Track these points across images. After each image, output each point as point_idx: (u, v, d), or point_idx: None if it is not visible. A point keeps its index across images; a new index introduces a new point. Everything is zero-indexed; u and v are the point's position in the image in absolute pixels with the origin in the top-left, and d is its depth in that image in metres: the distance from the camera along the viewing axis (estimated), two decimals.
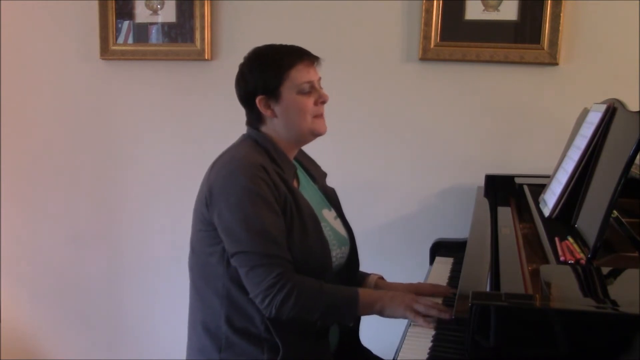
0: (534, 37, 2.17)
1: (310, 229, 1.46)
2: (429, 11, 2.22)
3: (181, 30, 2.46)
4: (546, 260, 1.27)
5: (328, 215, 1.59)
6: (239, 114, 1.55)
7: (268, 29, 2.39)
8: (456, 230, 2.23)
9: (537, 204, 1.67)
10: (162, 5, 2.46)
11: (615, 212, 1.44)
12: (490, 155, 2.28)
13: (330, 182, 1.70)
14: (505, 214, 1.80)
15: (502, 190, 2.06)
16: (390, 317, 1.45)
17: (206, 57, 2.43)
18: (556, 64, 2.17)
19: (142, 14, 2.49)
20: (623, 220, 1.43)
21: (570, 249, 1.26)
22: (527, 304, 1.05)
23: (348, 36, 2.34)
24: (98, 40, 2.53)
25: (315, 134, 1.52)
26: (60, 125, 2.67)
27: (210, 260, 1.46)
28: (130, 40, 2.51)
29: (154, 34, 2.49)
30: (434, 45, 2.24)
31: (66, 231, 2.73)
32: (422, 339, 1.35)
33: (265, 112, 1.48)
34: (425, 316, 1.39)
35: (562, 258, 1.22)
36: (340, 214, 1.66)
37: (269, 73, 1.46)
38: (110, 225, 2.69)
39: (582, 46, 2.16)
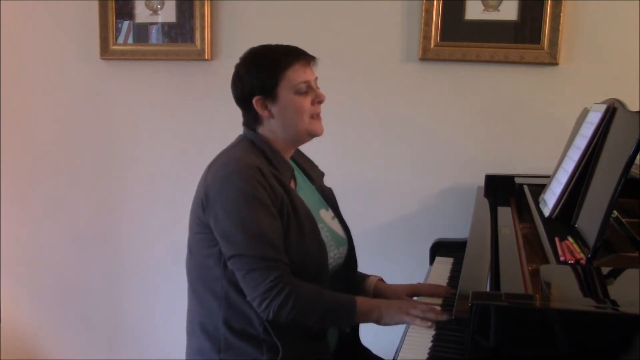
0: (534, 37, 2.17)
1: (307, 230, 1.45)
2: (429, 11, 2.22)
3: (181, 30, 2.46)
4: (546, 260, 1.27)
5: (325, 216, 1.59)
6: (239, 114, 1.55)
7: (268, 29, 2.39)
8: (456, 230, 2.23)
9: (537, 204, 1.67)
10: (162, 5, 2.46)
11: (615, 212, 1.44)
12: (490, 155, 2.28)
13: (330, 182, 1.70)
14: (505, 214, 1.80)
15: (502, 190, 2.06)
16: (388, 325, 1.45)
17: (206, 57, 2.43)
18: (556, 64, 2.17)
19: (142, 14, 2.49)
20: (623, 220, 1.43)
21: (570, 249, 1.26)
22: (527, 304, 1.05)
23: (348, 36, 2.34)
24: (98, 40, 2.53)
25: (312, 135, 1.51)
26: (60, 125, 2.67)
27: (207, 262, 1.46)
28: (130, 40, 2.51)
29: (154, 34, 2.49)
30: (434, 45, 2.24)
31: (66, 231, 2.73)
32: (422, 339, 1.35)
33: (262, 113, 1.48)
34: (423, 318, 1.40)
35: (562, 258, 1.22)
36: (338, 214, 1.65)
37: (265, 73, 1.46)
38: (110, 225, 2.69)
39: (582, 46, 2.16)
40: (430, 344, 1.33)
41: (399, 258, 2.38)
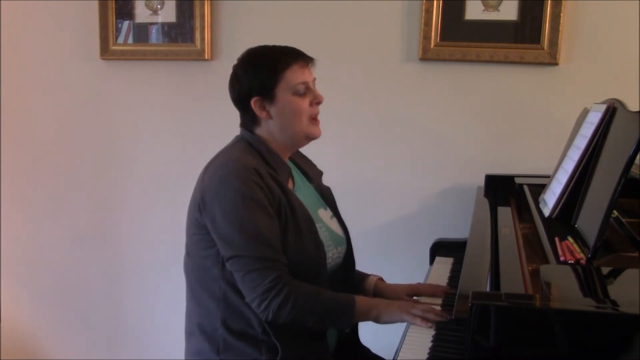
0: (534, 37, 2.17)
1: (305, 230, 1.45)
2: (429, 11, 2.22)
3: (181, 30, 2.46)
4: (546, 260, 1.27)
5: (324, 215, 1.59)
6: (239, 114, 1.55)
7: (268, 29, 2.39)
8: (456, 230, 2.23)
9: (537, 204, 1.67)
10: (162, 5, 2.46)
11: (615, 212, 1.44)
12: (490, 155, 2.28)
13: (330, 182, 1.70)
14: (505, 214, 1.80)
15: (502, 190, 2.06)
16: (387, 323, 1.45)
17: (206, 57, 2.43)
18: (556, 64, 2.17)
19: (142, 14, 2.49)
20: (623, 220, 1.43)
21: (570, 249, 1.26)
22: (527, 304, 1.05)
23: (348, 36, 2.34)
24: (98, 40, 2.53)
25: (309, 138, 1.51)
26: (60, 125, 2.67)
27: (205, 263, 1.45)
28: (130, 40, 2.51)
29: (154, 34, 2.49)
30: (434, 45, 2.24)
31: (66, 231, 2.73)
32: (422, 339, 1.35)
33: (260, 114, 1.47)
34: (422, 318, 1.40)
35: (562, 258, 1.22)
36: (337, 213, 1.65)
37: (264, 74, 1.45)
38: (110, 225, 2.69)
39: (582, 46, 2.16)
40: (430, 344, 1.33)
41: (399, 258, 2.38)
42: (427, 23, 2.22)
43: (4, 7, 2.63)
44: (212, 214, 1.40)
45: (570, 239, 1.32)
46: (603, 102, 1.54)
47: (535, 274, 1.25)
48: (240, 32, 2.42)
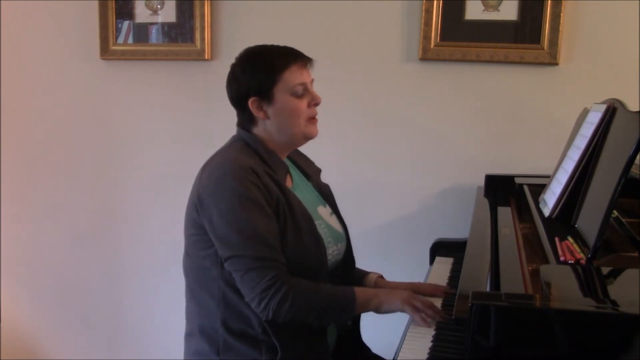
0: (534, 37, 2.17)
1: (304, 228, 1.45)
2: (429, 11, 2.22)
3: (181, 30, 2.46)
4: (546, 260, 1.27)
5: (323, 212, 1.59)
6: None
7: (268, 29, 2.39)
8: (456, 230, 2.23)
9: (537, 204, 1.67)
10: (162, 5, 2.46)
11: (615, 212, 1.44)
12: (490, 155, 2.28)
13: (330, 181, 1.70)
14: (505, 214, 1.80)
15: (502, 190, 2.06)
16: (388, 312, 1.45)
17: (206, 57, 2.43)
18: (556, 64, 2.17)
19: (142, 14, 2.49)
20: (623, 220, 1.43)
21: (570, 249, 1.26)
22: (527, 304, 1.05)
23: (348, 36, 2.34)
24: (98, 40, 2.53)
25: (307, 138, 1.51)
26: (60, 125, 2.67)
27: (204, 263, 1.45)
28: (130, 40, 2.51)
29: (154, 34, 2.49)
30: (434, 45, 2.24)
31: (66, 231, 2.73)
32: (422, 339, 1.35)
33: (258, 114, 1.47)
34: (421, 313, 1.40)
35: (562, 258, 1.22)
36: (336, 210, 1.65)
37: (262, 74, 1.45)
38: (110, 225, 2.69)
39: (582, 46, 2.16)
40: (430, 344, 1.33)
41: (399, 258, 2.38)
42: (427, 23, 2.22)
43: (4, 7, 2.63)
44: (209, 215, 1.40)
45: (570, 239, 1.32)
46: (603, 102, 1.54)
47: (535, 274, 1.25)
48: (240, 32, 2.42)
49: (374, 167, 2.40)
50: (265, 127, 1.49)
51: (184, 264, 1.54)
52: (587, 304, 1.05)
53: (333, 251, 1.55)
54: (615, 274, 1.18)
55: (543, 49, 2.16)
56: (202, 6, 2.40)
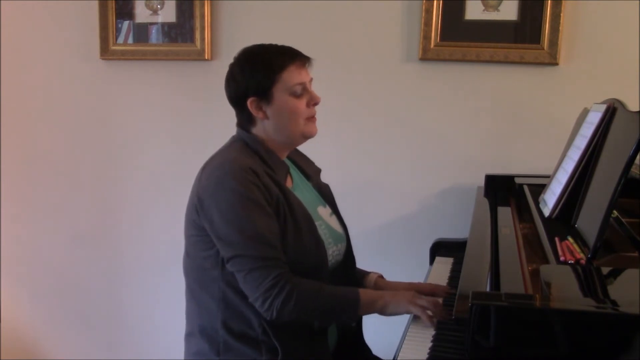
0: (534, 37, 2.17)
1: (305, 228, 1.45)
2: (429, 11, 2.22)
3: (181, 30, 2.46)
4: (546, 260, 1.27)
5: (323, 213, 1.59)
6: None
7: (268, 29, 2.39)
8: (456, 230, 2.23)
9: (537, 204, 1.67)
10: (162, 5, 2.46)
11: (615, 212, 1.44)
12: (490, 155, 2.28)
13: (330, 181, 1.70)
14: (505, 214, 1.80)
15: (502, 190, 2.06)
16: (393, 314, 1.44)
17: (206, 57, 2.43)
18: (556, 64, 2.17)
19: (142, 14, 2.49)
20: (623, 220, 1.43)
21: (570, 249, 1.26)
22: (527, 304, 1.05)
23: (348, 36, 2.34)
24: (98, 40, 2.53)
25: (306, 137, 1.51)
26: (60, 125, 2.67)
27: (204, 264, 1.45)
28: (130, 40, 2.51)
29: (154, 34, 2.49)
30: (434, 45, 2.24)
31: (66, 231, 2.73)
32: (422, 339, 1.35)
33: (257, 114, 1.47)
34: (428, 310, 1.39)
35: (562, 258, 1.22)
36: (336, 210, 1.65)
37: (260, 74, 1.44)
38: (110, 225, 2.69)
39: (582, 46, 2.16)
40: (430, 344, 1.33)
41: (399, 258, 2.38)
42: (427, 23, 2.22)
43: (4, 7, 2.63)
44: (210, 216, 1.39)
45: (570, 239, 1.32)
46: (603, 102, 1.54)
47: (535, 274, 1.25)
48: (240, 32, 2.42)
49: (374, 167, 2.40)
50: (265, 127, 1.49)
51: (184, 265, 1.53)
52: (587, 304, 1.05)
53: (333, 252, 1.55)
54: (615, 274, 1.18)
55: (543, 49, 2.16)
56: (202, 6, 2.40)
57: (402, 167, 2.37)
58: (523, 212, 1.79)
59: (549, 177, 1.72)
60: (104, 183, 2.67)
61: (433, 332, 1.37)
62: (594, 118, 1.51)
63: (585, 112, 1.69)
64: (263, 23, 2.39)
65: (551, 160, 1.80)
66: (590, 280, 1.15)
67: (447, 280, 1.77)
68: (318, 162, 1.70)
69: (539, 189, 1.77)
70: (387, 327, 1.69)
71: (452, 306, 1.34)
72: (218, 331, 1.46)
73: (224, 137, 1.57)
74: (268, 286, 1.36)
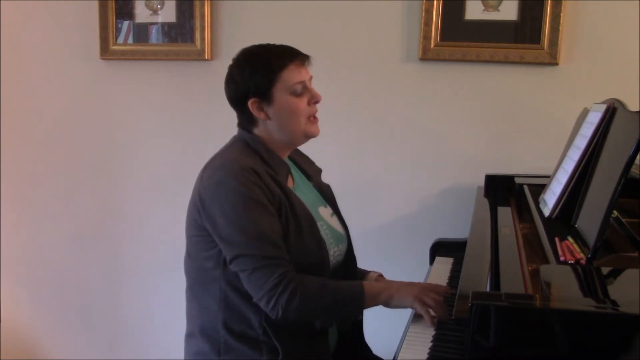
0: (534, 37, 2.17)
1: (306, 229, 1.45)
2: (429, 11, 2.22)
3: (181, 30, 2.46)
4: (546, 260, 1.27)
5: (324, 213, 1.59)
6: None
7: (268, 29, 2.39)
8: (456, 230, 2.23)
9: (537, 204, 1.67)
10: (162, 5, 2.46)
11: (615, 212, 1.44)
12: (490, 155, 2.28)
13: (330, 181, 1.70)
14: (505, 214, 1.80)
15: (502, 190, 2.06)
16: (397, 307, 1.44)
17: (206, 57, 2.43)
18: (556, 64, 2.17)
19: (142, 14, 2.49)
20: (623, 220, 1.43)
21: (570, 249, 1.26)
22: (527, 304, 1.05)
23: (348, 36, 2.34)
24: (98, 40, 2.53)
25: (308, 136, 1.50)
26: (60, 125, 2.67)
27: (206, 264, 1.45)
28: (130, 40, 2.51)
29: (154, 34, 2.49)
30: (434, 45, 2.24)
31: (66, 231, 2.73)
32: (422, 339, 1.35)
33: (259, 115, 1.46)
34: (430, 310, 1.39)
35: (562, 258, 1.22)
36: (337, 211, 1.65)
37: (260, 75, 1.44)
38: (110, 225, 2.69)
39: (582, 46, 2.16)
40: (430, 344, 1.33)
41: (399, 258, 2.38)
42: (427, 23, 2.22)
43: (4, 7, 2.63)
44: (212, 217, 1.39)
45: (570, 239, 1.32)
46: (603, 102, 1.54)
47: (535, 274, 1.25)
48: (240, 32, 2.42)
49: (374, 167, 2.40)
50: (266, 127, 1.48)
51: (185, 265, 1.53)
52: (587, 304, 1.05)
53: (334, 252, 1.55)
54: (615, 274, 1.18)
55: (543, 49, 2.16)
56: (202, 6, 2.40)
57: (402, 167, 2.37)
58: (523, 212, 1.79)
59: (549, 177, 1.72)
60: (104, 183, 2.67)
61: (433, 332, 1.37)
62: (594, 118, 1.51)
63: (585, 112, 1.69)
64: (263, 23, 2.39)
65: (551, 160, 1.80)
66: (590, 280, 1.15)
67: (447, 280, 1.77)
68: (318, 162, 1.70)
69: (539, 189, 1.77)
70: (387, 327, 1.69)
71: (452, 306, 1.34)
72: (219, 331, 1.46)
73: (224, 137, 1.57)
74: (272, 285, 1.36)
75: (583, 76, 2.17)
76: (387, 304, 1.44)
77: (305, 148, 1.62)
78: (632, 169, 1.21)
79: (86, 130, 2.65)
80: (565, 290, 1.12)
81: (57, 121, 2.67)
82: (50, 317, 2.83)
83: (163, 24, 2.47)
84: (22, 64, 2.66)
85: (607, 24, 2.14)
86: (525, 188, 1.89)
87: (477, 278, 1.37)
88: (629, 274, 1.15)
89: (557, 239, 1.32)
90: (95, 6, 2.50)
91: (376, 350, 1.72)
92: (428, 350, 1.30)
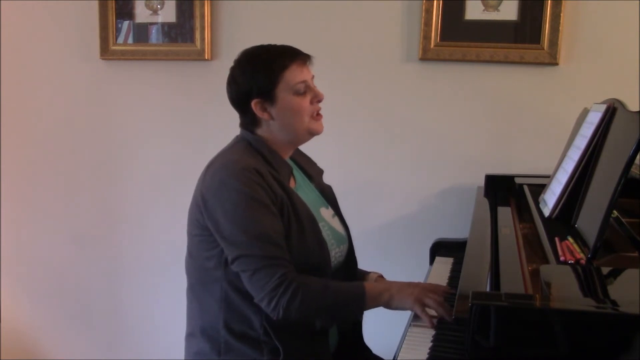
0: (534, 37, 2.17)
1: (308, 229, 1.45)
2: (429, 11, 2.22)
3: (181, 30, 2.46)
4: (546, 260, 1.27)
5: (326, 214, 1.59)
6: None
7: (268, 29, 2.39)
8: (456, 230, 2.23)
9: (537, 204, 1.67)
10: (162, 5, 2.46)
11: (615, 212, 1.44)
12: (490, 155, 2.28)
13: (330, 181, 1.70)
14: (505, 214, 1.80)
15: (502, 190, 2.06)
16: (398, 309, 1.44)
17: (206, 57, 2.43)
18: (556, 64, 2.17)
19: (142, 14, 2.49)
20: (623, 220, 1.43)
21: (570, 249, 1.26)
22: (527, 304, 1.05)
23: (348, 36, 2.34)
24: (98, 40, 2.53)
25: (312, 134, 1.51)
26: (60, 125, 2.67)
27: (207, 264, 1.45)
28: (130, 40, 2.51)
29: (154, 34, 2.49)
30: (434, 45, 2.24)
31: (66, 231, 2.73)
32: (422, 339, 1.35)
33: (262, 115, 1.46)
34: (431, 315, 1.39)
35: (562, 258, 1.22)
36: (338, 212, 1.65)
37: (262, 76, 1.44)
38: (110, 225, 2.69)
39: (582, 46, 2.16)
40: (430, 344, 1.33)
41: (399, 258, 2.38)
42: (427, 23, 2.22)
43: (4, 7, 2.63)
44: (214, 216, 1.39)
45: (570, 239, 1.32)
46: (603, 102, 1.54)
47: (535, 274, 1.25)
48: (240, 32, 2.42)
49: (374, 167, 2.40)
50: (270, 128, 1.49)
51: (187, 264, 1.53)
52: (587, 304, 1.05)
53: (336, 253, 1.55)
54: (615, 274, 1.18)
55: (543, 49, 2.16)
56: (202, 6, 2.40)
57: (402, 167, 2.37)
58: (523, 212, 1.79)
59: (549, 177, 1.72)
60: (104, 183, 2.67)
61: (433, 332, 1.37)
62: (594, 118, 1.51)
63: (585, 112, 1.69)
64: (263, 23, 2.39)
65: (551, 160, 1.80)
66: (590, 280, 1.15)
67: (447, 280, 1.77)
68: (318, 162, 1.70)
69: (539, 189, 1.77)
70: (387, 327, 1.69)
71: (452, 306, 1.34)
72: (219, 331, 1.46)
73: (224, 137, 1.57)
74: (274, 285, 1.36)
75: (583, 76, 2.17)
76: (387, 306, 1.44)
77: (305, 148, 1.62)
78: (632, 169, 1.21)
79: (86, 130, 2.65)
80: (565, 290, 1.12)
81: (57, 121, 2.67)
82: (50, 317, 2.83)
83: (163, 24, 2.47)
84: (22, 64, 2.66)
85: (607, 24, 2.14)
86: (525, 188, 1.89)
87: (477, 278, 1.37)
88: (629, 274, 1.15)
89: (557, 239, 1.32)
90: (95, 6, 2.50)
91: (376, 350, 1.72)
92: (428, 350, 1.30)
